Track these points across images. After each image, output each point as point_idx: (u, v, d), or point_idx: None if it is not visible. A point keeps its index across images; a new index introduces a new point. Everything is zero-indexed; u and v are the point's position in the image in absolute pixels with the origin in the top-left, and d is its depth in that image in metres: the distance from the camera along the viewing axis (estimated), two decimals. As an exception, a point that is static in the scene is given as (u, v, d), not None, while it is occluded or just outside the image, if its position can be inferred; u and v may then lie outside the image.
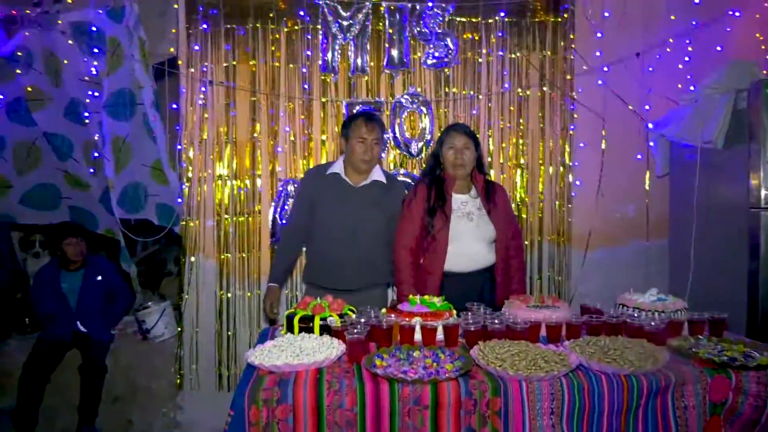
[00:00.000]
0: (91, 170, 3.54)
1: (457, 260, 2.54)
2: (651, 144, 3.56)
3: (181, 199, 3.40)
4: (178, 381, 3.45)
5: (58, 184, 3.61)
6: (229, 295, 3.43)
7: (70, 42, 3.26)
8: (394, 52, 3.42)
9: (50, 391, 3.32)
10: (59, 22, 3.23)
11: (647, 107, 3.52)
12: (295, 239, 2.82)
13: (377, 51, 3.45)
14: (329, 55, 3.40)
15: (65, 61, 3.31)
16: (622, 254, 3.63)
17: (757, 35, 3.47)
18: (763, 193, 2.85)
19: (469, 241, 2.56)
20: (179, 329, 3.50)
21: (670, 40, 3.46)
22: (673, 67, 3.51)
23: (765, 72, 3.13)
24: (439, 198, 2.57)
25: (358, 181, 2.71)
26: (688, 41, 3.47)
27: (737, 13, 3.42)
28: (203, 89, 3.39)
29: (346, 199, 2.67)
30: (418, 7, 3.39)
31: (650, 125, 3.51)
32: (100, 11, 3.21)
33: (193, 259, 3.43)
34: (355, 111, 3.35)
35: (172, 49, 3.43)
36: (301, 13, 3.37)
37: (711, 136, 3.04)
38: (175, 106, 3.41)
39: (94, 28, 3.23)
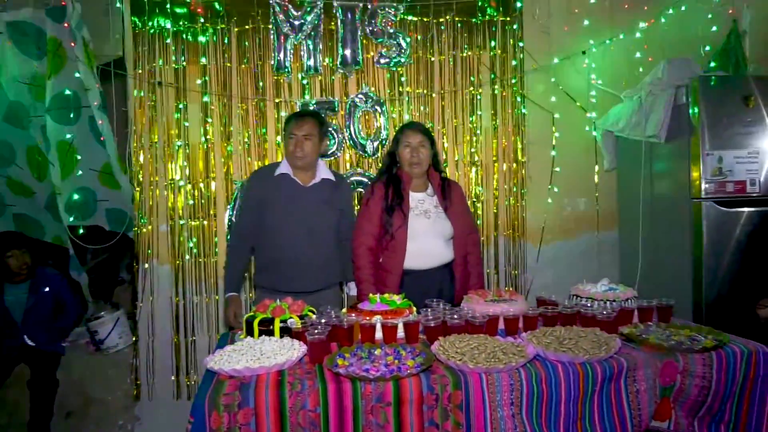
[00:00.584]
0: (35, 176, 3.40)
1: (416, 258, 2.57)
2: (599, 139, 3.68)
3: (131, 204, 3.31)
4: (135, 392, 3.36)
5: (1, 192, 3.45)
6: (186, 301, 3.36)
7: (7, 43, 3.12)
8: (347, 52, 3.42)
9: (-3, 408, 3.18)
10: (-5, 21, 3.09)
11: (594, 103, 3.64)
12: (246, 244, 2.75)
13: (330, 51, 3.44)
14: (281, 55, 3.37)
15: (3, 64, 3.16)
16: (575, 247, 3.74)
17: (694, 34, 3.64)
18: (703, 184, 2.99)
19: (427, 239, 2.59)
20: (134, 338, 3.40)
21: (614, 39, 3.58)
22: (617, 65, 3.64)
23: (702, 69, 3.28)
24: (397, 196, 2.60)
25: (306, 180, 2.70)
26: (630, 40, 3.61)
27: (673, 11, 3.57)
28: (151, 91, 3.30)
29: (298, 199, 2.65)
30: (369, 6, 3.40)
31: (597, 121, 3.64)
32: (40, 10, 3.08)
33: (146, 265, 3.34)
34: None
35: (118, 50, 3.33)
36: (252, 12, 3.32)
37: (654, 131, 3.17)
38: (123, 108, 3.31)
39: (33, 28, 3.10)
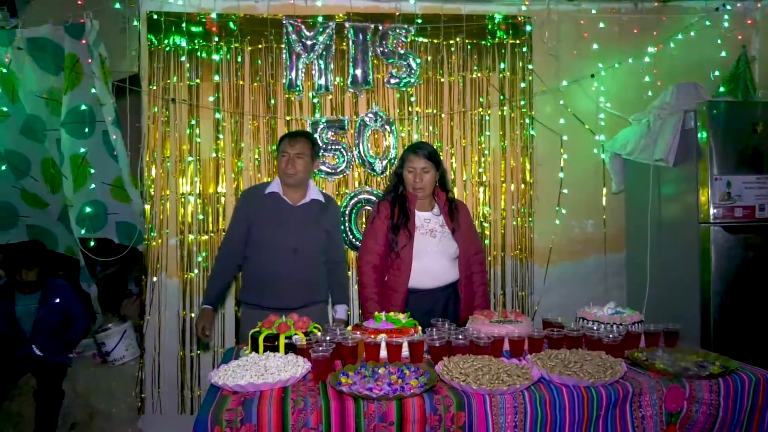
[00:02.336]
0: (49, 188, 3.45)
1: (422, 277, 2.58)
2: (607, 162, 3.69)
3: (141, 218, 3.34)
4: (139, 405, 3.36)
5: (15, 203, 3.51)
6: (193, 315, 3.37)
7: (26, 58, 3.19)
8: (358, 72, 3.46)
9: (3, 418, 3.19)
10: (16, 37, 3.16)
11: (602, 125, 3.66)
12: (232, 260, 2.76)
13: (341, 70, 3.49)
14: (293, 73, 3.42)
15: (22, 78, 3.23)
16: (582, 268, 3.73)
17: (703, 59, 3.66)
18: (711, 209, 2.99)
19: (433, 258, 2.59)
20: (141, 351, 3.41)
21: (623, 63, 3.61)
22: (626, 88, 3.66)
23: (710, 94, 3.30)
24: (403, 215, 2.61)
25: (296, 199, 2.72)
26: (639, 64, 3.63)
27: (681, 37, 3.60)
28: (165, 107, 3.36)
29: (286, 218, 2.67)
30: (380, 27, 3.45)
31: (606, 144, 3.65)
32: (59, 27, 3.16)
33: (155, 278, 3.37)
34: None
35: (134, 67, 3.40)
36: (265, 32, 3.39)
37: (662, 155, 3.17)
38: (137, 124, 3.37)
39: (52, 44, 3.17)
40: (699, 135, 3.03)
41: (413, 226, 2.60)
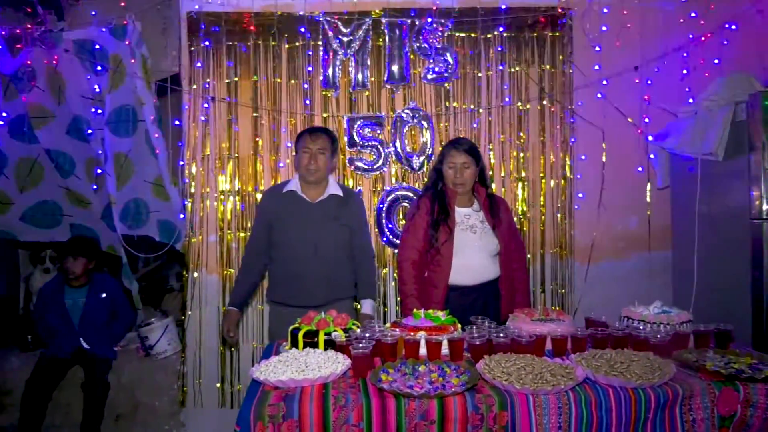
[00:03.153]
0: (94, 187, 3.54)
1: (462, 273, 2.55)
2: (651, 156, 3.57)
3: (183, 215, 3.41)
4: (181, 398, 3.43)
5: (60, 202, 3.61)
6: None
7: (73, 60, 3.29)
8: (395, 68, 3.45)
9: (52, 408, 3.29)
10: (63, 40, 3.26)
11: (646, 120, 3.54)
12: (256, 261, 2.77)
13: (378, 66, 3.47)
14: (330, 70, 3.43)
15: (68, 79, 3.33)
16: (625, 266, 3.62)
17: (754, 48, 3.50)
18: (764, 205, 2.86)
19: (473, 254, 2.56)
20: (182, 345, 3.49)
21: (668, 54, 3.48)
22: (671, 80, 3.53)
23: (762, 84, 3.15)
24: (443, 211, 2.58)
25: (314, 196, 2.70)
26: (685, 54, 3.50)
27: (733, 27, 3.45)
28: (205, 105, 3.42)
29: (305, 216, 2.66)
30: (417, 22, 3.42)
31: (650, 138, 3.53)
32: (103, 29, 3.25)
33: (195, 274, 3.43)
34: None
35: (174, 66, 3.46)
36: (302, 29, 3.40)
37: (711, 148, 3.05)
38: (177, 122, 3.44)
39: (97, 46, 3.27)
40: (751, 127, 2.89)
41: (453, 222, 2.57)
